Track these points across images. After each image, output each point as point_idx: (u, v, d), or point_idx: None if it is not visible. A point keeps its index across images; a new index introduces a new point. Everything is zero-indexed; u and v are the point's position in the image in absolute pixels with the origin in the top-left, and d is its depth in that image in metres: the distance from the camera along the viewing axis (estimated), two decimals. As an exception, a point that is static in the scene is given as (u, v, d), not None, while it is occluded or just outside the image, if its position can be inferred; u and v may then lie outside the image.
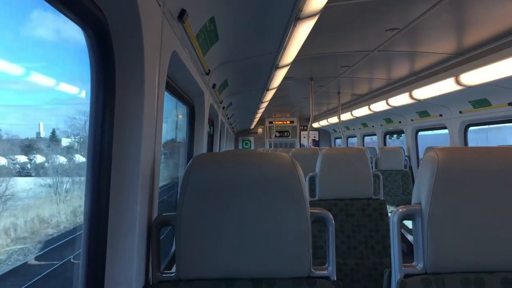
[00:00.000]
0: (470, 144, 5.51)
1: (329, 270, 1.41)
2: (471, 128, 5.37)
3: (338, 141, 14.05)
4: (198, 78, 2.94)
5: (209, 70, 3.22)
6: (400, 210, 1.40)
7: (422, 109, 5.98)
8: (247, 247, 1.36)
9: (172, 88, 2.69)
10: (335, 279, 1.41)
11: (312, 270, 1.39)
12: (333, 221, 1.43)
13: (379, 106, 6.57)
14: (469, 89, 4.09)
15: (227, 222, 1.36)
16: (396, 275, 1.39)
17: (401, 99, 5.67)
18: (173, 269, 1.42)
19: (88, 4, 1.25)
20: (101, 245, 1.38)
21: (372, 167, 3.14)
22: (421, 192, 1.39)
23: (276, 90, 6.01)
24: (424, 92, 4.93)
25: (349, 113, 8.26)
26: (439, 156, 1.35)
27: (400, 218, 1.39)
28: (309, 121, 7.01)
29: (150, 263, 1.48)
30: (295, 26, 2.71)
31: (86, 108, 1.42)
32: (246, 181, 1.37)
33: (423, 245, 1.36)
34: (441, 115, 5.64)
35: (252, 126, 14.56)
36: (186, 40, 2.22)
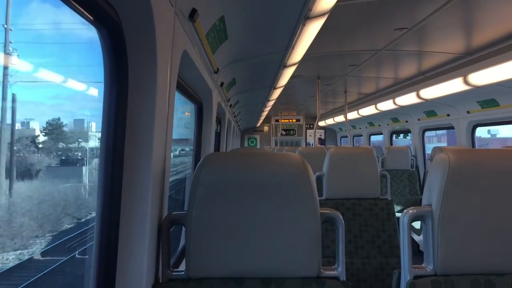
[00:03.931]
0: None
1: (339, 270, 1.41)
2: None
3: (344, 139, 14.02)
4: (207, 77, 2.95)
5: (218, 69, 3.22)
6: (411, 211, 1.40)
7: (429, 108, 5.96)
8: (256, 246, 1.37)
9: (181, 87, 2.70)
10: (345, 279, 1.42)
11: (322, 270, 1.39)
12: (343, 222, 1.43)
13: (386, 105, 6.56)
14: (477, 89, 4.07)
15: (237, 222, 1.37)
16: (406, 276, 1.39)
17: (408, 99, 5.66)
18: (182, 267, 1.43)
19: (102, 3, 1.26)
20: (113, 243, 1.40)
21: (378, 166, 3.14)
22: (431, 194, 1.39)
23: (283, 89, 6.01)
24: (432, 92, 4.91)
25: (355, 112, 8.24)
26: (450, 157, 1.35)
27: (410, 220, 1.39)
28: (315, 119, 7.00)
29: (160, 261, 1.49)
30: (304, 25, 2.71)
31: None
32: (256, 181, 1.37)
33: (433, 247, 1.36)
34: (448, 115, 5.62)
35: (258, 124, 14.56)
36: (196, 39, 2.24)
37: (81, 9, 1.22)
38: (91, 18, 1.28)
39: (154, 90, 1.45)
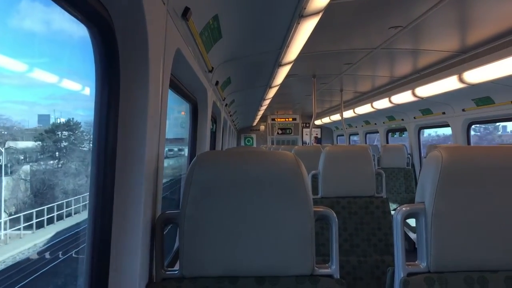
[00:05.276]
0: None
1: (333, 268, 1.41)
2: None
3: (340, 138, 14.04)
4: (201, 76, 2.94)
5: (212, 68, 3.21)
6: (404, 208, 1.40)
7: (424, 106, 5.97)
8: (250, 245, 1.36)
9: (176, 86, 2.69)
10: (339, 277, 1.41)
11: (316, 268, 1.39)
12: (337, 220, 1.43)
13: (382, 103, 6.56)
14: (472, 87, 4.08)
15: (230, 220, 1.37)
16: (399, 274, 1.39)
17: (403, 97, 5.66)
18: (177, 267, 1.42)
19: (93, 2, 1.25)
20: (106, 242, 1.39)
21: (374, 164, 3.14)
22: (424, 191, 1.39)
23: (279, 87, 6.01)
24: (427, 90, 4.92)
25: (351, 110, 8.25)
26: (443, 155, 1.35)
27: (404, 217, 1.39)
28: (311, 118, 7.01)
29: (154, 260, 1.49)
30: (299, 23, 2.71)
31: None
32: (250, 179, 1.37)
33: (426, 244, 1.36)
34: (444, 113, 5.63)
35: (255, 123, 14.58)
36: (189, 38, 2.22)
37: (71, 8, 1.21)
38: (82, 17, 1.27)
39: (146, 89, 1.44)
